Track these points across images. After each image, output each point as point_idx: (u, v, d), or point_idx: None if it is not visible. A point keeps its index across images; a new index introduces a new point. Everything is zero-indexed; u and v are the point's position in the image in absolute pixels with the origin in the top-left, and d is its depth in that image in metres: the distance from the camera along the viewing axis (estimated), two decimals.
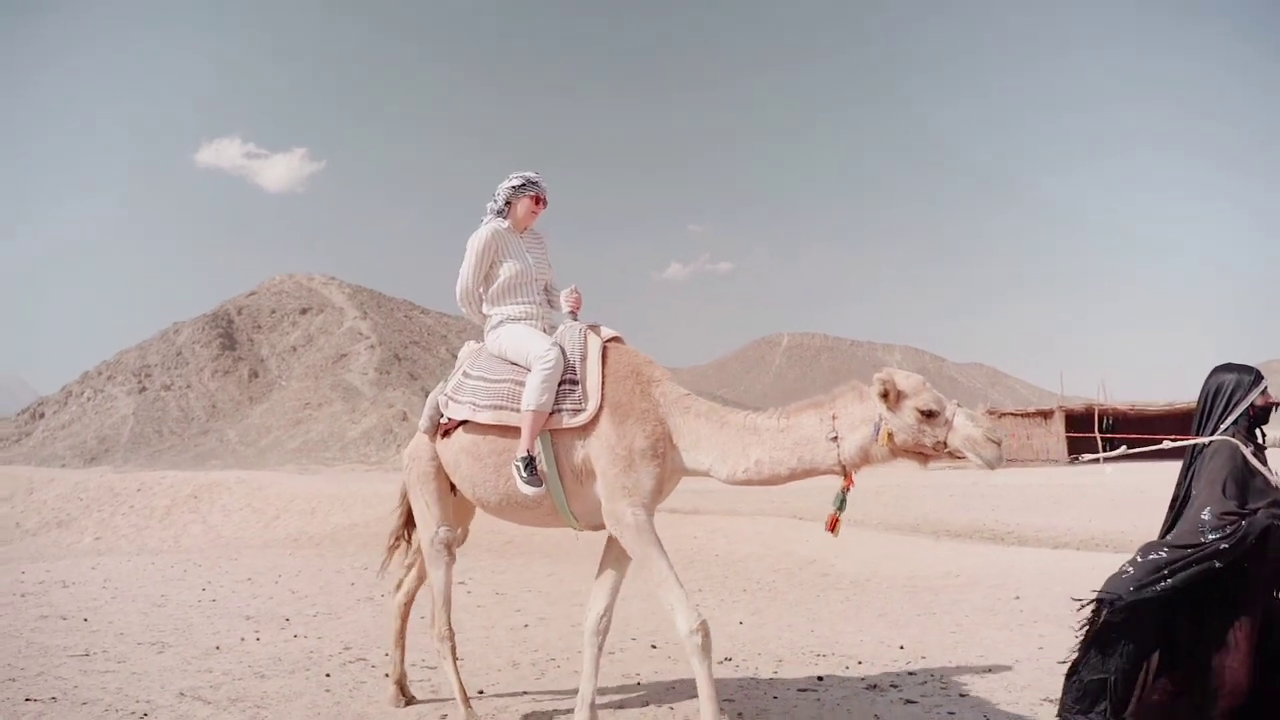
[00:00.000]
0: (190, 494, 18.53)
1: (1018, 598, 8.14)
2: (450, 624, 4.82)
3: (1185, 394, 43.90)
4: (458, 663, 4.84)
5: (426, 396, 4.95)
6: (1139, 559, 3.65)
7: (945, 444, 3.79)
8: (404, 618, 5.47)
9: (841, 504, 4.04)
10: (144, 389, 72.25)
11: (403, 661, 5.33)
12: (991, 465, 3.75)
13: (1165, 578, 3.54)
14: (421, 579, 5.43)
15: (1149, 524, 13.93)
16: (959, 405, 3.86)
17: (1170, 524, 3.84)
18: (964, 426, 3.77)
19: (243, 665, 5.95)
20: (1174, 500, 3.89)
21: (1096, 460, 36.47)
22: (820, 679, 5.60)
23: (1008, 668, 5.82)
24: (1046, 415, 40.29)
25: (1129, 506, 17.05)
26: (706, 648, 3.92)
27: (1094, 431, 37.84)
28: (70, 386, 72.28)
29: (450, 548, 4.88)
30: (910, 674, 5.72)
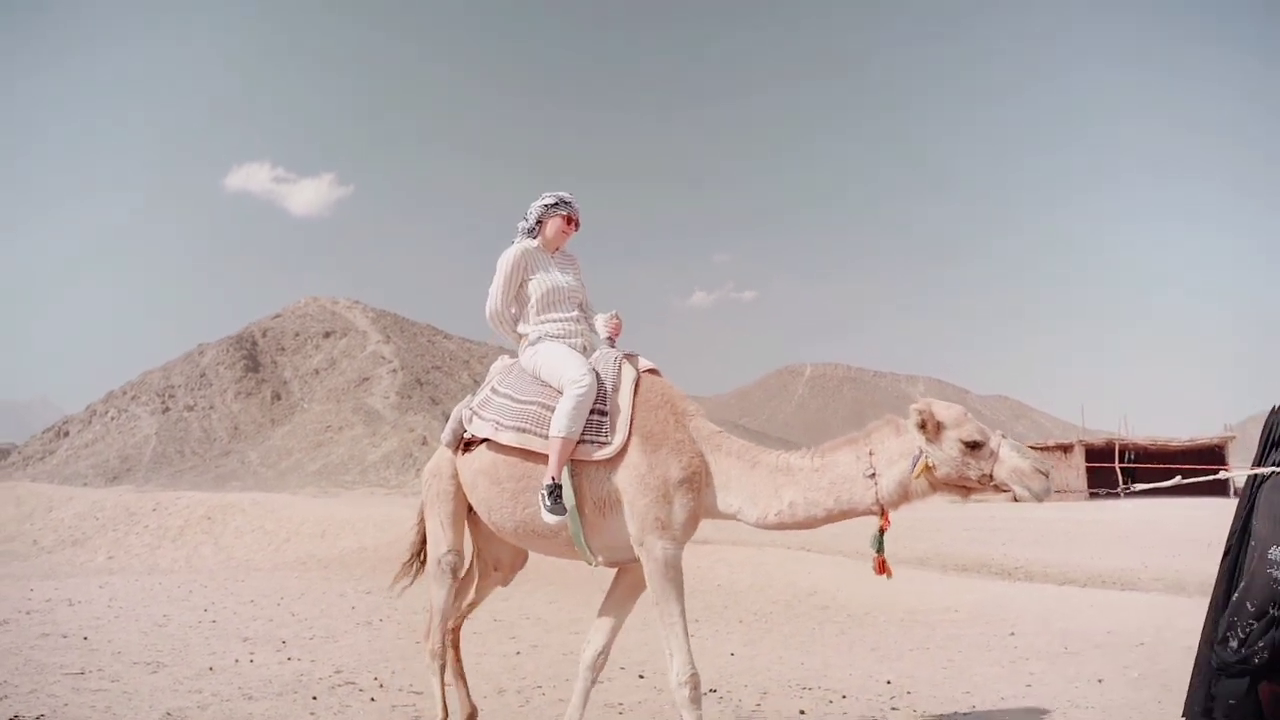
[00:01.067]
0: (204, 515, 18.67)
1: (1012, 634, 8.10)
2: (444, 643, 4.75)
3: (1207, 430, 43.56)
4: (445, 687, 4.75)
5: (447, 421, 4.90)
6: (1223, 644, 3.55)
7: (991, 477, 3.64)
8: (455, 645, 5.09)
9: (880, 545, 3.88)
10: (167, 409, 72.94)
11: (468, 697, 4.96)
12: (1040, 498, 3.61)
13: (1260, 652, 3.44)
14: (467, 607, 5.15)
15: (1159, 562, 13.82)
16: (1003, 435, 3.72)
17: (1233, 563, 3.76)
18: (1011, 458, 3.63)
19: (233, 687, 6.02)
20: (1231, 534, 3.81)
21: (1116, 495, 36.31)
22: (802, 713, 5.61)
23: (992, 706, 5.80)
24: (1066, 449, 39.87)
25: (1141, 543, 16.91)
26: (695, 700, 3.83)
27: (1114, 466, 37.59)
28: (95, 406, 73.08)
29: (455, 572, 4.74)
30: (894, 709, 5.71)
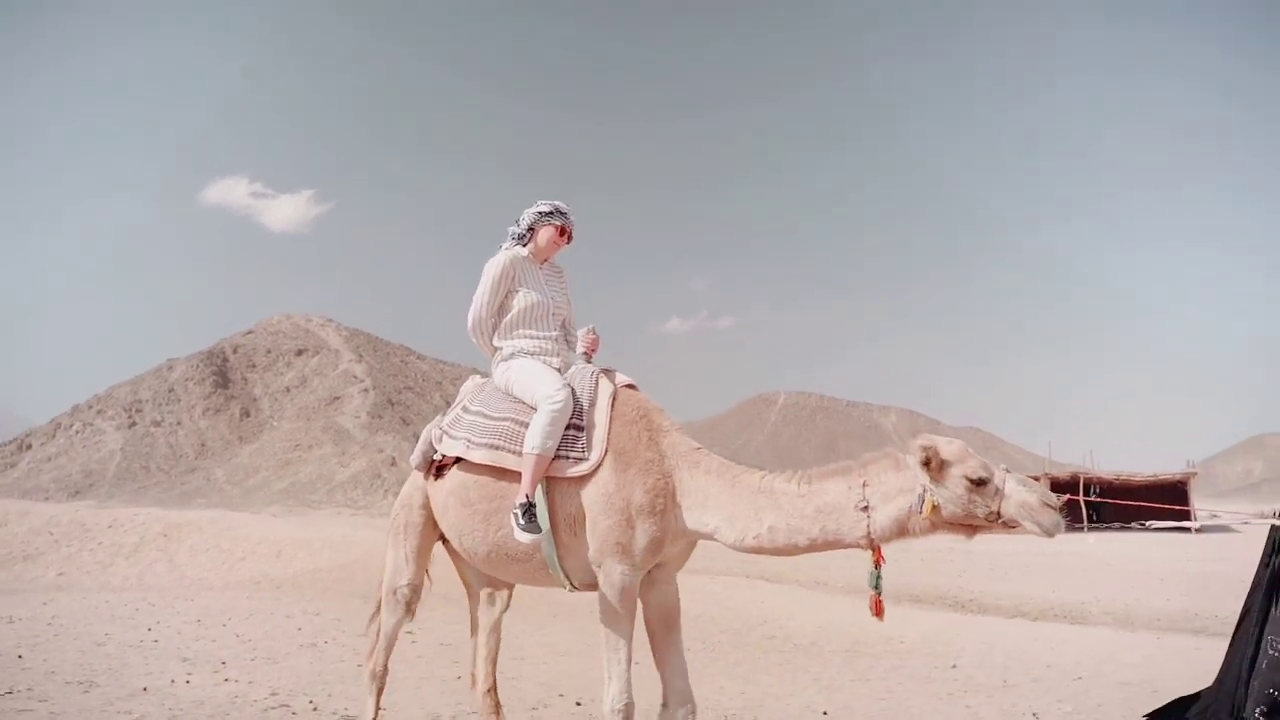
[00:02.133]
0: (160, 532, 18.47)
1: (954, 666, 8.14)
2: (386, 665, 4.66)
3: (1171, 466, 43.95)
4: (380, 712, 4.67)
5: (417, 442, 4.72)
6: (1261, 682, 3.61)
7: (999, 514, 3.48)
8: (491, 690, 4.85)
9: (877, 583, 3.68)
10: (134, 424, 72.04)
11: None
12: (1050, 533, 3.45)
13: None
14: (491, 655, 4.87)
15: (1111, 596, 13.93)
16: (1008, 470, 3.57)
17: (1265, 606, 3.81)
18: (1017, 493, 3.48)
19: (164, 709, 5.96)
20: (1253, 591, 3.83)
21: (1078, 529, 36.56)
22: None
23: None
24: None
25: (1097, 577, 17.05)
26: None
27: (1079, 499, 37.82)
28: (60, 418, 72.12)
29: (409, 606, 4.59)
30: None
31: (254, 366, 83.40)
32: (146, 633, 8.96)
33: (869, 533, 3.58)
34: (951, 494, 3.49)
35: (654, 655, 4.02)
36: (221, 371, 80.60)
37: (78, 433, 70.61)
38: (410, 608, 4.60)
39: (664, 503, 3.88)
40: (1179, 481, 40.91)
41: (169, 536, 18.15)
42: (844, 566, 16.60)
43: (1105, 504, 40.28)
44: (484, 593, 4.90)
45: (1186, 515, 37.98)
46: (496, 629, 4.86)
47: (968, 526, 3.56)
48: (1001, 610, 13.05)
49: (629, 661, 3.77)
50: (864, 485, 3.64)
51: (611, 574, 3.80)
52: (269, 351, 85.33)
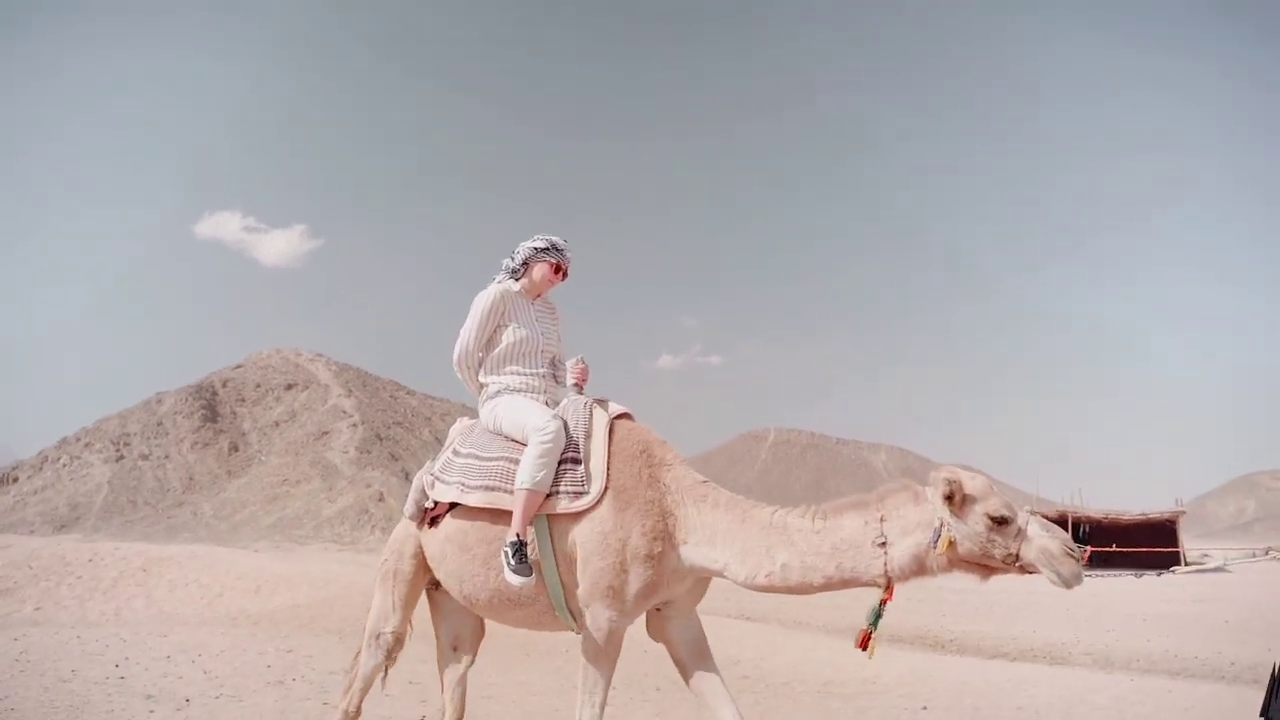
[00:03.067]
0: (140, 567, 18.35)
1: (925, 708, 8.11)
2: (359, 707, 4.50)
3: (1161, 504, 44.00)
4: None
5: (407, 478, 4.50)
6: None
7: (1017, 557, 3.30)
8: None
9: (876, 619, 3.50)
10: (121, 457, 71.72)
11: None
12: (1069, 584, 3.26)
13: None
14: (457, 711, 4.63)
15: (1092, 636, 13.90)
16: (1031, 512, 3.40)
17: None
18: (1039, 537, 3.29)
19: None
20: None
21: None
22: None
23: None
24: None
25: (1080, 616, 17.00)
26: None
27: (1107, 550, 37.59)
28: (47, 451, 71.72)
29: (390, 653, 4.46)
30: None
31: (243, 400, 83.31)
32: (114, 669, 8.88)
33: (886, 570, 3.40)
34: (970, 531, 3.32)
35: (693, 689, 3.88)
36: (210, 405, 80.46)
37: (65, 466, 70.28)
38: (392, 655, 4.48)
39: (662, 546, 3.71)
40: (1168, 520, 40.89)
41: (148, 571, 18.03)
42: (826, 605, 16.52)
43: (1095, 550, 40.19)
44: (449, 648, 4.71)
45: (1176, 557, 37.95)
46: (462, 682, 4.68)
47: (983, 567, 3.40)
48: (982, 651, 13.01)
49: (603, 706, 3.70)
50: (881, 520, 3.47)
51: (599, 618, 3.67)
52: (258, 386, 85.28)
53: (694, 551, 3.71)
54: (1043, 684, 9.34)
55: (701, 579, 3.92)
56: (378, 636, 4.44)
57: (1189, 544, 42.75)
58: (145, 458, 73.07)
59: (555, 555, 3.79)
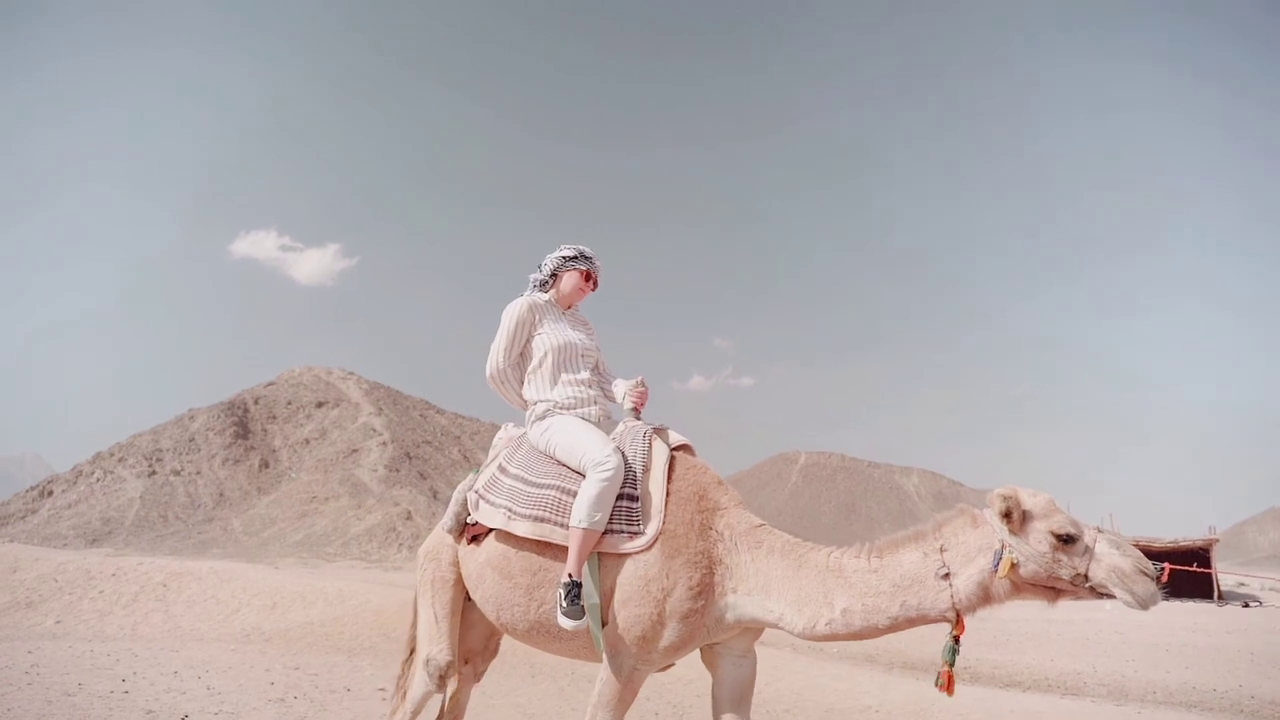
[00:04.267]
0: (160, 582, 18.52)
1: None
2: None
3: (1192, 532, 43.23)
4: None
5: (435, 497, 4.32)
6: None
7: (1086, 577, 3.11)
8: None
9: (952, 656, 3.33)
10: (154, 473, 72.56)
11: None
12: (1145, 605, 3.08)
13: None
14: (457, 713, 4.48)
15: (1111, 666, 13.72)
16: (1099, 529, 3.20)
17: None
18: (1109, 555, 3.10)
19: None
20: None
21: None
22: None
23: None
24: None
25: (1102, 647, 16.73)
26: None
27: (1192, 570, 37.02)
28: (81, 466, 72.71)
29: (443, 681, 4.08)
30: None
31: (274, 418, 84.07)
32: (120, 683, 8.97)
33: (954, 603, 3.21)
34: (1034, 551, 3.13)
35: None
36: (242, 422, 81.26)
37: (98, 480, 71.17)
38: (443, 683, 4.11)
39: (704, 602, 3.49)
40: (1201, 548, 40.21)
41: (168, 586, 18.20)
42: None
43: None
44: (460, 661, 4.45)
45: (1209, 583, 37.25)
46: (462, 697, 4.50)
47: (1051, 590, 3.20)
48: (995, 680, 12.83)
49: None
50: (941, 550, 3.28)
51: (623, 663, 3.48)
52: (289, 403, 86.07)
53: (745, 601, 3.50)
54: (1048, 714, 9.21)
55: (727, 631, 3.64)
56: (427, 661, 4.11)
57: (1226, 572, 41.99)
58: (177, 473, 73.90)
59: (601, 592, 3.60)
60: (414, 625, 4.54)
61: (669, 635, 3.43)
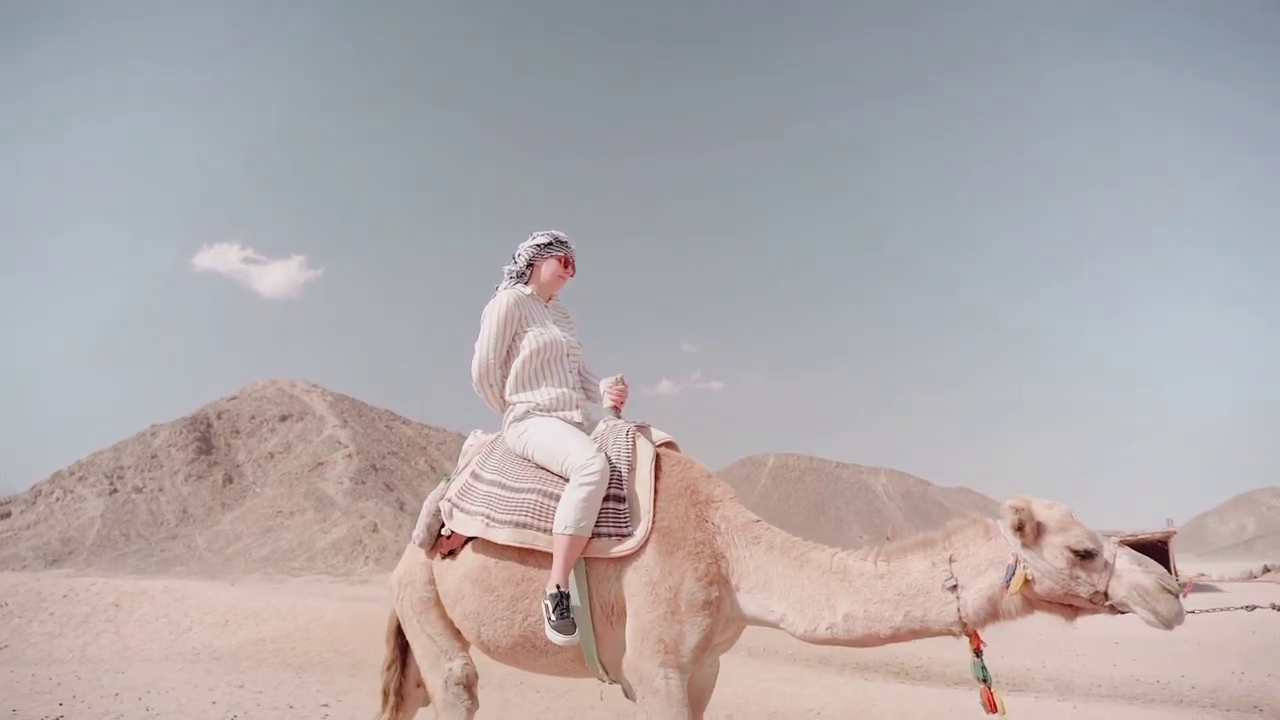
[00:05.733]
0: (112, 602, 18.31)
1: None
2: None
3: (1151, 525, 43.91)
4: None
5: (402, 508, 4.00)
6: None
7: (1106, 595, 2.94)
8: None
9: (984, 673, 3.18)
10: (115, 490, 71.58)
11: None
12: (1169, 624, 2.90)
13: None
14: None
15: (1060, 662, 13.90)
16: (1119, 543, 3.04)
17: None
18: (1130, 572, 2.93)
19: None
20: None
21: None
22: None
23: None
24: None
25: (1052, 643, 16.93)
26: None
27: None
28: (40, 485, 71.61)
29: (472, 689, 3.83)
30: None
31: (238, 432, 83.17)
32: (57, 707, 8.87)
33: (960, 616, 3.06)
34: (1050, 567, 2.97)
35: None
36: (205, 437, 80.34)
37: (58, 500, 70.11)
38: (473, 690, 3.84)
39: (719, 591, 3.33)
40: (1159, 540, 40.81)
41: (120, 606, 18.00)
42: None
43: None
44: (413, 684, 4.29)
45: None
46: None
47: (1068, 607, 3.05)
48: (945, 678, 12.96)
49: None
50: (950, 560, 3.13)
51: (653, 679, 3.20)
52: (253, 417, 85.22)
53: (745, 599, 3.36)
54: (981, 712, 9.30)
55: (725, 634, 3.52)
56: (447, 682, 3.81)
57: (1189, 564, 42.66)
58: (139, 490, 72.94)
59: (592, 602, 3.41)
60: (390, 665, 4.31)
61: (690, 633, 3.23)
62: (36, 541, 64.46)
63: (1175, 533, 41.69)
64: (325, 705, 9.26)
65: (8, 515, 68.92)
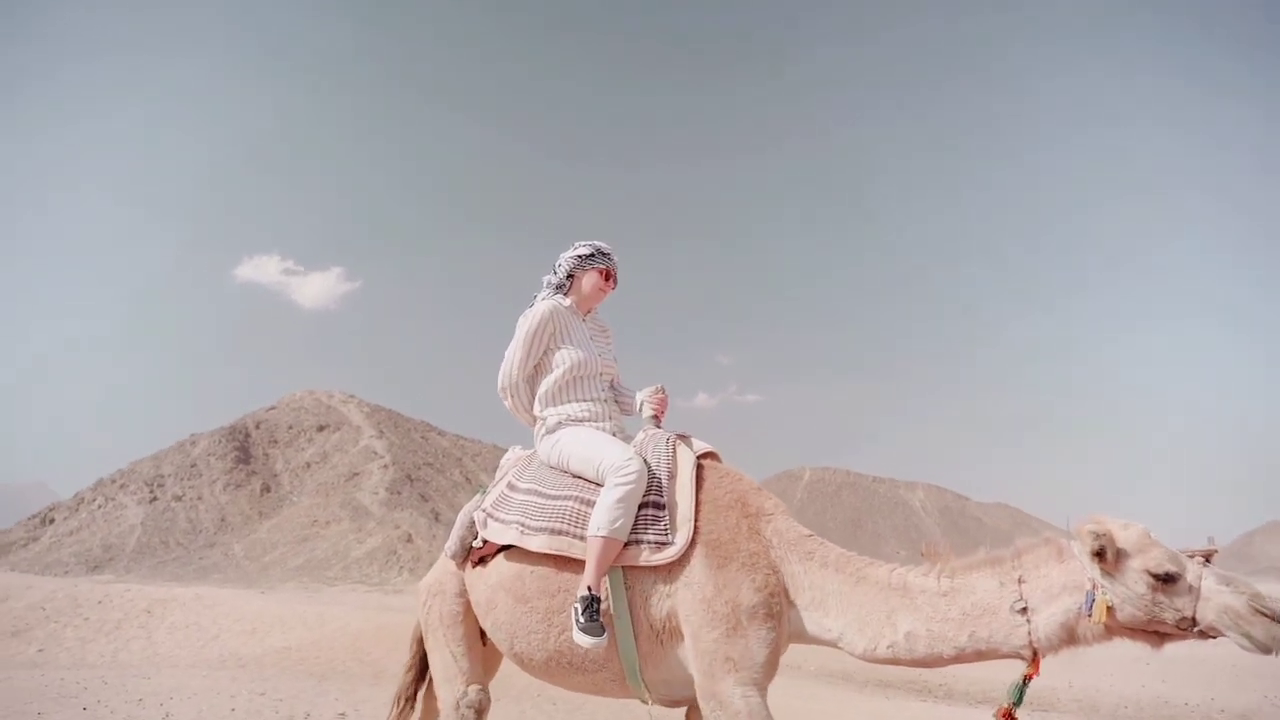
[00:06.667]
0: (145, 608, 18.56)
1: None
2: None
3: (1193, 543, 43.12)
4: None
5: (437, 519, 3.94)
6: None
7: (1194, 620, 2.74)
8: None
9: (1019, 697, 3.01)
10: (155, 499, 72.66)
11: None
12: (1268, 648, 2.67)
13: None
14: None
15: (1088, 682, 13.68)
16: (1205, 563, 2.84)
17: None
18: (1218, 594, 2.72)
19: None
20: None
21: None
22: None
23: None
24: None
25: (1081, 662, 16.70)
26: None
27: None
28: (83, 493, 72.91)
29: (483, 715, 3.73)
30: None
31: (275, 442, 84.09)
32: (82, 711, 9.03)
33: (1030, 640, 2.91)
34: (1130, 593, 2.80)
35: None
36: (243, 447, 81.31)
37: (99, 507, 71.24)
38: (483, 716, 3.73)
39: (780, 603, 3.21)
40: (1202, 558, 40.12)
41: (152, 613, 18.25)
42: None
43: None
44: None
45: None
46: None
47: (1154, 634, 2.88)
48: (969, 696, 12.84)
49: None
50: (1019, 581, 2.98)
51: (731, 700, 3.04)
52: (291, 427, 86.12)
53: (802, 617, 3.24)
54: None
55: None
56: (458, 705, 3.70)
57: None
58: (178, 499, 73.98)
59: (631, 614, 3.27)
60: (409, 669, 4.23)
61: (756, 646, 3.09)
62: (79, 548, 65.54)
63: (1217, 550, 40.79)
64: (342, 714, 9.34)
65: (51, 522, 70.19)
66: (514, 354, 3.81)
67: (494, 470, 4.12)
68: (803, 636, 3.27)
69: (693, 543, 3.24)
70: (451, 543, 3.83)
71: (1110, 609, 2.80)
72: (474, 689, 3.70)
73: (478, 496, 3.86)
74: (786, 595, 3.23)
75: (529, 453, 3.93)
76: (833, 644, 3.20)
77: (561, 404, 3.78)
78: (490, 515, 3.66)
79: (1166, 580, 2.77)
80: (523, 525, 3.48)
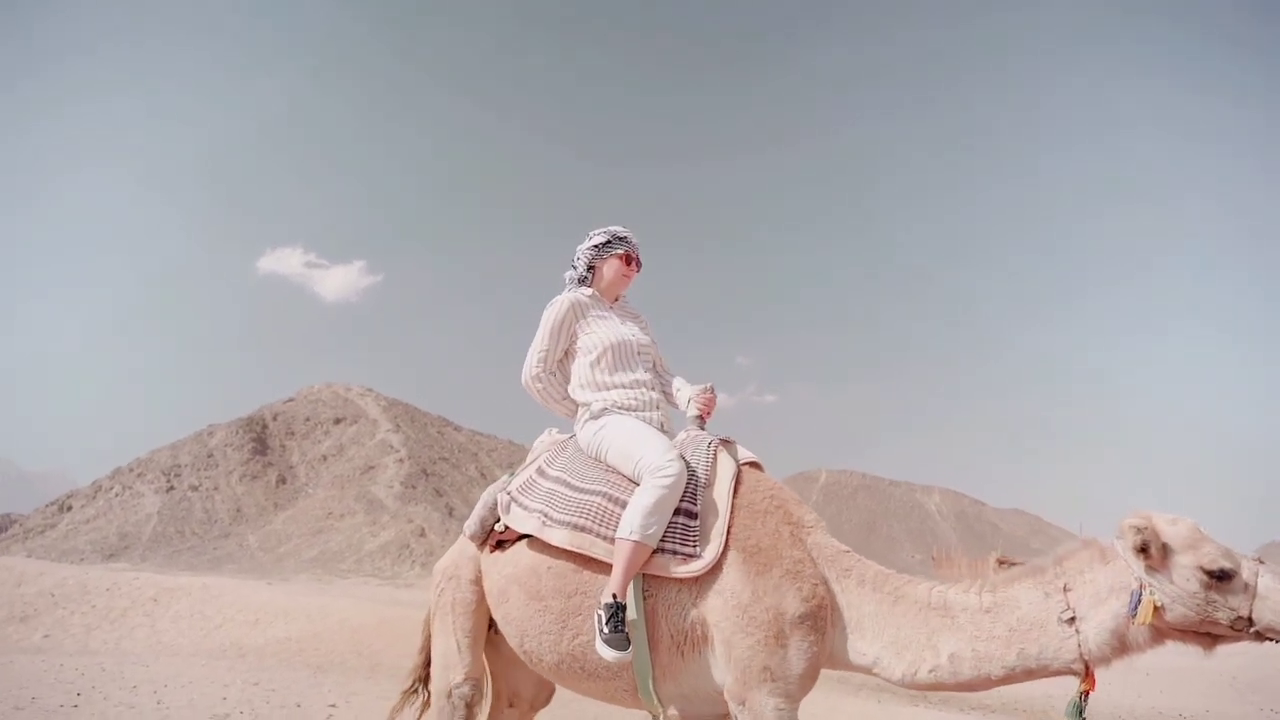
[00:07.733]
0: (151, 597, 18.74)
1: None
2: None
3: None
4: None
5: (451, 514, 3.74)
6: None
7: (1250, 620, 2.57)
8: None
9: (1079, 713, 2.85)
10: (172, 488, 73.24)
11: None
12: None
13: None
14: None
15: (1118, 697, 13.55)
16: (1260, 560, 2.65)
17: None
18: (1276, 592, 2.56)
19: None
20: None
21: None
22: None
23: None
24: None
25: (1123, 677, 16.63)
26: None
27: None
28: (101, 481, 73.57)
29: (471, 709, 3.61)
30: None
31: (292, 434, 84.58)
32: (75, 697, 9.12)
33: (1081, 653, 2.74)
34: (1180, 591, 2.63)
35: None
36: (261, 438, 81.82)
37: (117, 495, 71.86)
38: (473, 710, 3.63)
39: (826, 618, 3.01)
40: None
41: (158, 601, 18.42)
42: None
43: None
44: (504, 704, 3.98)
45: None
46: None
47: (1206, 636, 2.70)
48: (964, 702, 12.79)
49: None
50: (1065, 590, 2.81)
51: (766, 711, 2.87)
52: (308, 419, 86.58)
53: (836, 640, 3.05)
54: None
55: None
56: (449, 694, 3.58)
57: None
58: (195, 489, 74.55)
59: (649, 624, 3.08)
60: (422, 651, 4.06)
61: (796, 656, 2.91)
62: (95, 536, 66.14)
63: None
64: (333, 705, 9.40)
65: (69, 509, 70.85)
66: (538, 344, 3.68)
67: (509, 467, 3.98)
68: (835, 660, 3.08)
69: (725, 549, 3.06)
70: (472, 522, 3.64)
71: (1159, 608, 2.63)
72: (467, 684, 3.59)
73: (505, 477, 3.68)
74: (833, 612, 3.05)
75: (565, 438, 3.76)
76: (867, 670, 3.02)
77: (606, 389, 3.58)
78: (514, 499, 3.48)
79: (1221, 578, 2.60)
80: (545, 516, 3.31)
